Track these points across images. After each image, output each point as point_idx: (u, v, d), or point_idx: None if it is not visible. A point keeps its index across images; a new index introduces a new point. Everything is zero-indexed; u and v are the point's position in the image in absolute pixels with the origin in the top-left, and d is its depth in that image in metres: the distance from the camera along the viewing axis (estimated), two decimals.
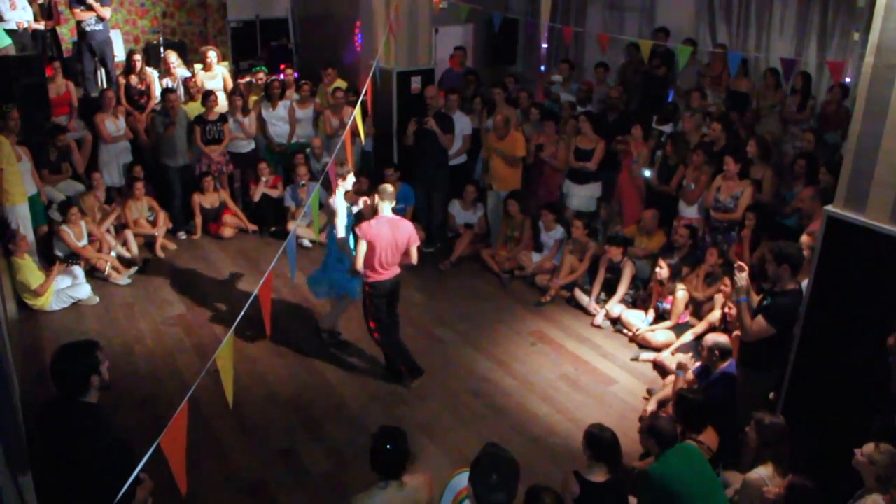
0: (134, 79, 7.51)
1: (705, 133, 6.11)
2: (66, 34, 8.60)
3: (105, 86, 7.84)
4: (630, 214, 6.33)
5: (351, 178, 4.70)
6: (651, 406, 4.46)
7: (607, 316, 5.67)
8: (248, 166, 7.42)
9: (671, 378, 4.66)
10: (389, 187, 4.45)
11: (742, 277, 3.82)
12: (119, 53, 8.36)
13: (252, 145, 7.48)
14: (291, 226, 6.74)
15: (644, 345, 5.32)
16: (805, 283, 3.89)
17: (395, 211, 6.95)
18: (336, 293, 4.96)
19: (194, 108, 7.27)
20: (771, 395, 4.11)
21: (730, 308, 4.75)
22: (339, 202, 4.65)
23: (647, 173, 6.21)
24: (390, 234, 4.41)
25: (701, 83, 7.01)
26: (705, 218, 5.72)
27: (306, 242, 7.08)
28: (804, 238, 4.54)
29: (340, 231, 4.61)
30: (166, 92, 7.13)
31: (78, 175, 6.84)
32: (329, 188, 6.78)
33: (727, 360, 4.14)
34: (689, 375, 4.27)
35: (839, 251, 3.66)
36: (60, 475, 2.68)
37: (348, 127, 4.81)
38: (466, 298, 6.04)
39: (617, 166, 6.48)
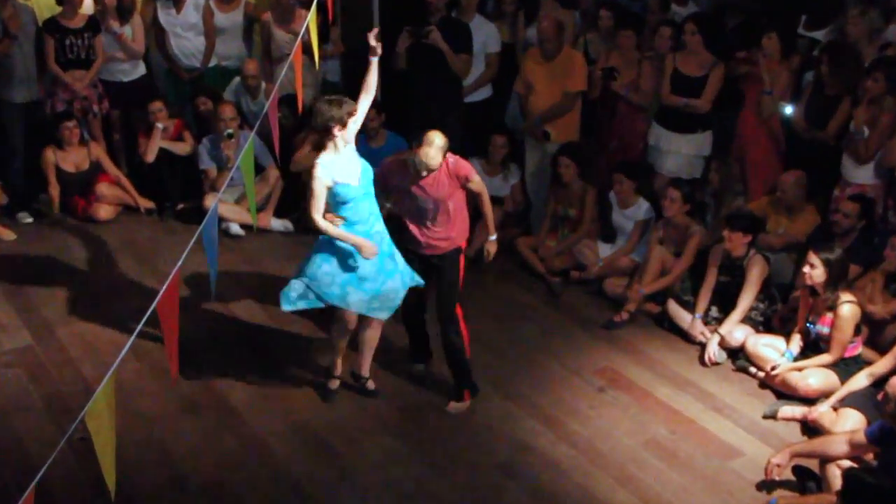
0: None
1: (889, 43, 6.02)
2: None
3: None
4: (759, 180, 6.30)
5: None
6: (779, 459, 4.40)
7: (723, 344, 5.61)
8: (135, 105, 7.39)
9: (830, 440, 4.48)
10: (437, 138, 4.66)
11: None
12: None
13: (142, 70, 7.44)
14: (210, 202, 6.67)
15: (786, 392, 5.26)
16: None
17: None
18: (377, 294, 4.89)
19: (44, 8, 7.20)
20: None
21: None
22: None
23: (789, 111, 6.15)
24: None
25: None
26: (888, 185, 5.72)
27: (235, 229, 7.07)
28: None
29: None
30: None
31: None
32: (269, 137, 6.72)
33: None
34: (860, 438, 4.21)
35: None
36: None
37: (298, 42, 4.79)
38: (493, 317, 6.02)
39: (738, 102, 6.44)
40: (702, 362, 5.57)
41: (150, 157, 7.22)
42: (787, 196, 5.90)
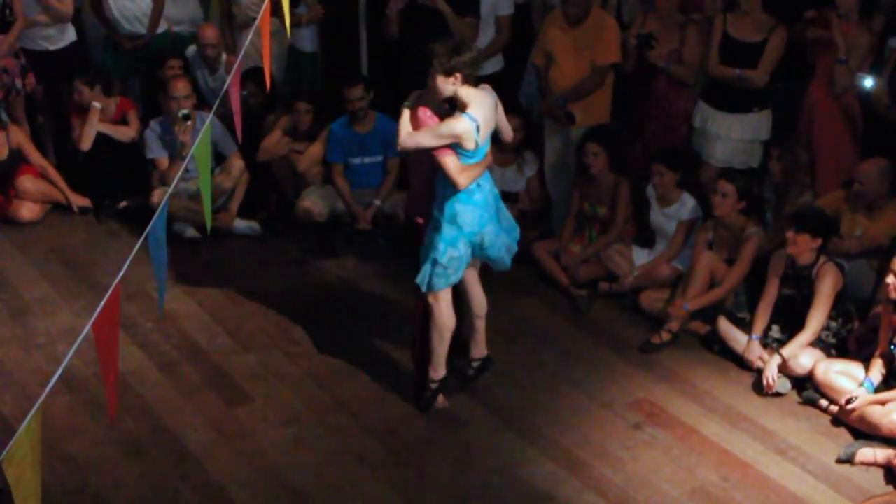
0: None
1: None
2: None
3: None
4: (831, 170, 6.31)
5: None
6: None
7: (787, 371, 5.61)
8: (65, 79, 7.38)
9: None
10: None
11: None
12: None
13: (71, 36, 7.48)
14: (160, 198, 6.66)
15: (865, 431, 5.23)
16: None
17: (365, 166, 6.98)
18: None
19: None
20: None
21: None
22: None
23: (869, 84, 6.15)
24: None
25: None
26: None
27: (190, 232, 7.11)
28: None
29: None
30: None
31: None
32: (231, 120, 6.71)
33: None
34: None
35: None
36: None
37: (266, 3, 4.77)
38: (505, 338, 6.03)
39: (805, 73, 6.44)
40: (759, 391, 5.57)
41: (86, 144, 7.22)
42: (868, 190, 5.86)
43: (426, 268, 5.16)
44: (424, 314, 5.29)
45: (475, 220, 5.10)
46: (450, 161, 4.99)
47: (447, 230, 5.11)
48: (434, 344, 5.34)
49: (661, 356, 5.91)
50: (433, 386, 5.38)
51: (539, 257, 6.61)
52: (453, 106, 5.04)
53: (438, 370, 5.39)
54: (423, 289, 5.22)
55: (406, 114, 5.07)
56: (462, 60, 4.95)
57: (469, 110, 4.96)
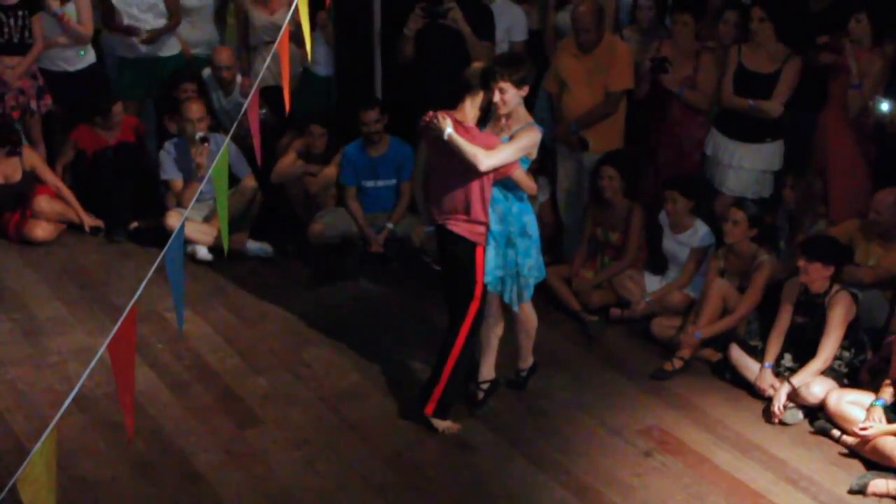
0: None
1: None
2: None
3: None
4: (845, 197, 6.30)
5: None
6: None
7: (796, 399, 5.59)
8: (83, 101, 7.41)
9: None
10: None
11: None
12: None
13: (90, 58, 7.49)
14: (174, 220, 6.71)
15: (878, 462, 5.19)
16: None
17: (378, 189, 7.01)
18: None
19: None
20: None
21: None
22: None
23: (886, 107, 6.13)
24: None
25: None
26: None
27: (202, 253, 7.13)
28: None
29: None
30: None
31: None
32: (245, 142, 6.70)
33: None
34: None
35: None
36: None
37: (285, 26, 4.78)
38: (514, 364, 5.98)
39: (819, 100, 6.42)
40: (770, 420, 5.55)
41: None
42: (884, 219, 5.85)
43: (510, 287, 5.34)
44: (472, 325, 5.28)
45: (536, 226, 5.38)
46: (521, 172, 5.16)
47: (521, 243, 5.26)
48: (522, 341, 5.68)
49: (672, 383, 5.90)
50: (523, 374, 5.78)
51: (551, 283, 6.53)
52: (483, 120, 5.16)
53: (527, 360, 5.75)
54: (515, 308, 5.45)
55: (460, 139, 4.99)
56: (529, 70, 5.12)
57: (530, 120, 5.16)
